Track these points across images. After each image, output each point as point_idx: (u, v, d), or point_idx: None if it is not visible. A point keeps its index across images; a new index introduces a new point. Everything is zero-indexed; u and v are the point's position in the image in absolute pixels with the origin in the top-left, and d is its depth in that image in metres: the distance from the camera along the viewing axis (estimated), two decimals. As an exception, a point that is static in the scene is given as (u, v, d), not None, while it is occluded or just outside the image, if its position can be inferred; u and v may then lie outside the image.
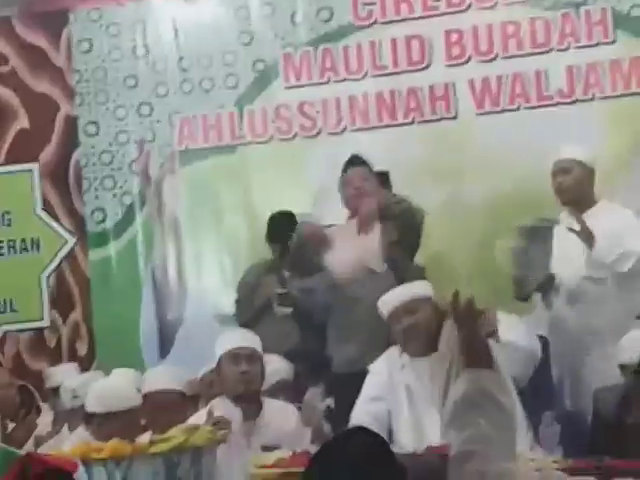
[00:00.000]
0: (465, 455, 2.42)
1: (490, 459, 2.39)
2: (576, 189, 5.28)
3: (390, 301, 4.61)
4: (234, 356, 4.61)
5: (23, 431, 5.49)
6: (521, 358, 4.37)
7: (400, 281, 4.99)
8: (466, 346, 2.54)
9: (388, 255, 5.14)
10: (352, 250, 5.15)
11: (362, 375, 4.72)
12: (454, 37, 6.33)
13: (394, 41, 6.40)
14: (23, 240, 6.81)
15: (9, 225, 6.83)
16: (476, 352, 2.52)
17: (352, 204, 5.28)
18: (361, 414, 4.44)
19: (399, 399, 4.42)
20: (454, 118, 6.30)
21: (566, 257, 5.15)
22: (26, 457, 2.60)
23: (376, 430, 4.12)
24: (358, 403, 4.52)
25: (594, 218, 5.17)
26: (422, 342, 4.39)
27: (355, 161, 5.37)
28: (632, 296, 5.08)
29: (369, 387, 4.55)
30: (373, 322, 4.90)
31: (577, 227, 4.99)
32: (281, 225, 5.69)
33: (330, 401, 5.16)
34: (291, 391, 5.11)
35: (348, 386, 4.84)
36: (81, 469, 2.59)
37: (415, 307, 4.50)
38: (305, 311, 5.45)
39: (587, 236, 4.99)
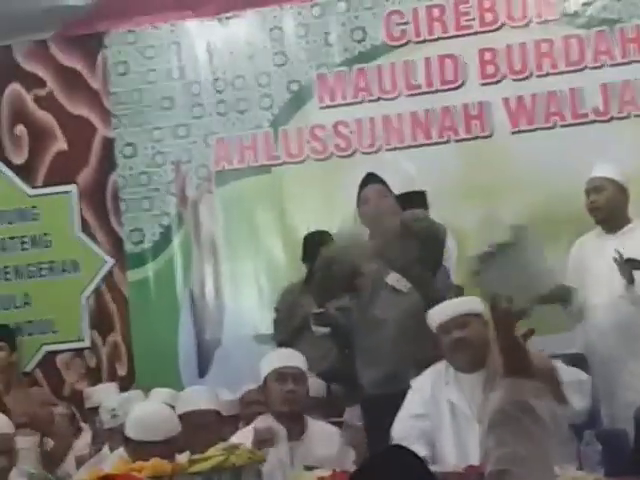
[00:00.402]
0: (499, 475, 2.35)
1: (526, 479, 2.40)
2: (608, 208, 5.26)
3: (441, 313, 4.58)
4: (280, 375, 4.61)
5: (63, 451, 5.50)
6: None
7: (425, 299, 5.00)
8: (504, 352, 2.46)
9: (411, 274, 5.12)
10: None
11: (391, 397, 4.73)
12: (488, 56, 6.35)
13: (428, 60, 6.42)
14: (63, 261, 6.86)
15: (49, 247, 6.88)
16: (515, 358, 2.43)
17: (370, 222, 5.25)
18: (407, 429, 4.41)
19: (442, 416, 4.40)
20: (489, 137, 6.31)
21: (601, 276, 5.15)
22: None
23: (423, 446, 4.18)
24: (402, 418, 4.49)
25: (628, 237, 5.17)
26: (469, 357, 4.38)
27: (371, 179, 5.33)
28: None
29: (412, 403, 4.52)
30: (400, 343, 4.90)
31: (617, 257, 4.98)
32: (316, 245, 5.69)
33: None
34: (324, 409, 5.13)
35: (378, 407, 4.85)
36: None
37: (466, 322, 4.48)
38: (343, 330, 5.45)
39: (627, 273, 4.99)
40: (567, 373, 4.44)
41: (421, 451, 4.20)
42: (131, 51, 6.87)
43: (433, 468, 2.51)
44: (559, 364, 4.46)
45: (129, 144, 6.83)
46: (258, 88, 6.67)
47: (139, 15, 6.85)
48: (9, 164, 6.99)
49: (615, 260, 5.00)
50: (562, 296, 5.28)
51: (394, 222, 5.09)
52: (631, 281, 5.01)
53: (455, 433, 4.33)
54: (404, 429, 4.43)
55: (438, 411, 4.42)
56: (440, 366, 4.55)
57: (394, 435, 4.43)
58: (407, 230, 5.01)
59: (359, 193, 5.27)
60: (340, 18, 6.58)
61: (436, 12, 6.44)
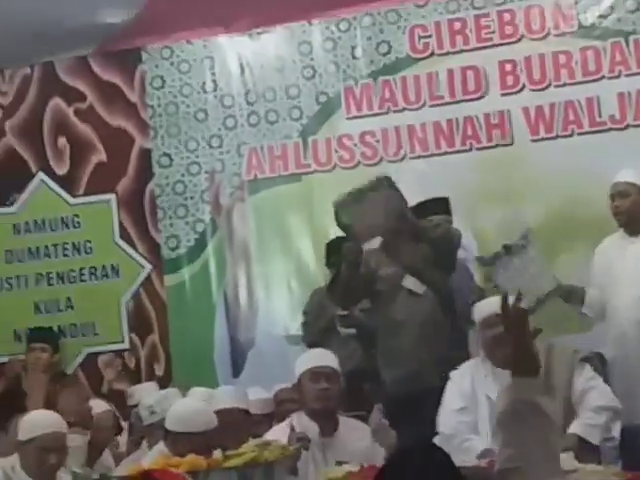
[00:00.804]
0: (508, 473, 2.38)
1: (536, 475, 2.36)
2: (633, 212, 5.25)
3: (486, 307, 4.54)
4: (315, 374, 4.62)
5: (100, 445, 5.50)
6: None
7: (440, 301, 4.99)
8: (514, 351, 2.51)
9: (427, 277, 5.10)
10: None
11: (411, 395, 4.71)
12: (508, 67, 6.34)
13: (450, 72, 6.41)
14: (103, 267, 6.89)
15: (90, 253, 6.92)
16: (523, 358, 2.49)
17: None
18: (454, 424, 4.38)
19: (480, 409, 4.37)
20: (510, 145, 6.30)
21: (623, 277, 5.14)
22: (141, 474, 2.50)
23: (476, 440, 4.13)
24: (446, 413, 4.45)
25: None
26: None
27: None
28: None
29: (453, 397, 4.48)
30: (419, 343, 4.91)
31: None
32: (338, 251, 5.70)
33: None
34: (343, 404, 5.12)
35: (399, 406, 4.86)
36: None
37: None
38: (367, 331, 5.45)
39: None
40: (602, 395, 4.43)
41: (480, 445, 4.18)
42: (167, 66, 6.90)
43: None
44: (598, 382, 4.45)
45: (165, 154, 6.86)
46: (288, 100, 6.68)
47: (174, 31, 6.88)
48: (52, 175, 7.03)
49: None
50: (570, 296, 5.26)
51: (403, 227, 5.09)
52: None
53: (492, 426, 4.29)
54: (452, 425, 4.39)
55: (476, 404, 4.39)
56: (478, 360, 4.51)
57: (442, 431, 4.39)
58: (425, 237, 5.00)
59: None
60: (366, 32, 6.59)
61: (458, 25, 6.44)
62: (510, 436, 2.39)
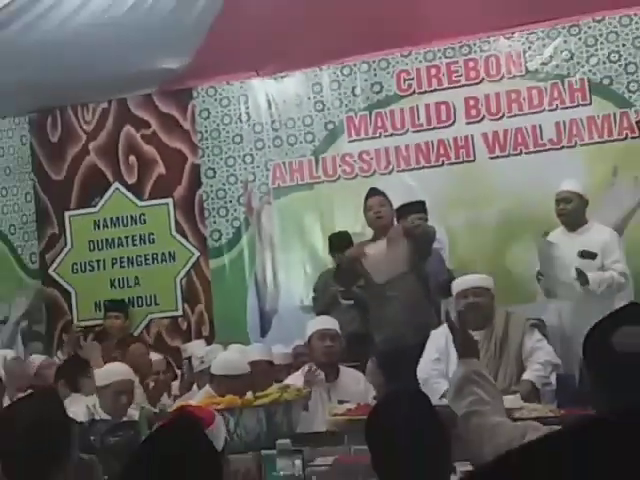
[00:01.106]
0: (470, 414, 2.46)
1: (487, 415, 2.44)
2: (574, 215, 5.25)
3: (464, 283, 4.52)
4: (321, 334, 4.62)
5: (161, 391, 5.48)
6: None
7: (419, 280, 4.95)
8: (461, 344, 2.64)
9: (410, 263, 5.07)
10: (384, 259, 5.06)
11: (397, 351, 4.70)
12: (472, 102, 6.31)
13: (427, 106, 6.39)
14: (163, 253, 6.88)
15: (153, 243, 6.91)
16: (467, 347, 2.61)
17: (374, 225, 5.19)
18: (428, 371, 4.38)
19: (450, 362, 4.36)
20: (472, 161, 6.27)
21: (562, 263, 5.13)
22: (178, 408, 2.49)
23: (443, 383, 4.12)
24: (424, 362, 4.45)
25: (585, 234, 5.17)
26: (476, 318, 4.31)
27: (374, 192, 5.28)
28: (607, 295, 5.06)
29: (431, 350, 4.47)
30: (403, 314, 4.88)
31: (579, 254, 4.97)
32: (337, 242, 5.69)
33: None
34: (343, 358, 5.09)
35: (388, 359, 4.83)
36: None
37: (480, 292, 4.42)
38: (362, 302, 5.43)
39: (583, 279, 4.97)
40: (547, 353, 4.40)
41: (444, 386, 4.16)
42: (212, 101, 6.89)
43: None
44: (544, 344, 4.42)
45: (210, 168, 6.85)
46: (304, 127, 6.66)
47: (217, 75, 6.87)
48: (124, 184, 7.04)
49: (581, 254, 4.98)
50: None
51: (392, 224, 5.08)
52: (585, 282, 4.97)
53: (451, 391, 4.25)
54: (426, 371, 4.38)
55: (448, 358, 4.37)
56: None
57: (420, 375, 4.38)
58: (408, 233, 4.98)
59: (365, 203, 5.20)
60: (363, 75, 6.57)
61: (433, 71, 6.41)
62: (468, 392, 2.49)
